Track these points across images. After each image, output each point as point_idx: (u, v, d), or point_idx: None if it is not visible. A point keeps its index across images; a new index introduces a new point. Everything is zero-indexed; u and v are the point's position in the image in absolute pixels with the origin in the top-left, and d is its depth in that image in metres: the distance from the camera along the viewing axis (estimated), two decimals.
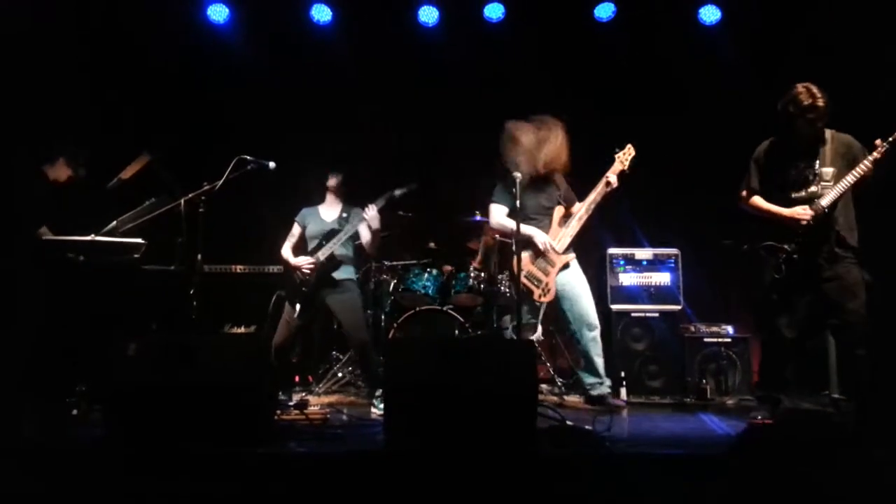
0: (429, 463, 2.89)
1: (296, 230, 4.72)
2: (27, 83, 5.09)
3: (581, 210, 4.52)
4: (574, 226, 4.51)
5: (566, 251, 4.50)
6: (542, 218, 4.55)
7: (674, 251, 5.08)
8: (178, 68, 5.98)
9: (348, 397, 5.04)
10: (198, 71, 6.05)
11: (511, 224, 4.44)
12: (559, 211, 4.56)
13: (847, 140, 3.77)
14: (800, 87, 3.68)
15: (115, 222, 4.38)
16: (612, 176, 4.47)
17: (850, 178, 3.61)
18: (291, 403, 4.31)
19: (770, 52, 5.68)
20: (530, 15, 6.08)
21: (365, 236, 4.66)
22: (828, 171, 3.72)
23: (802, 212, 3.69)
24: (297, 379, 5.48)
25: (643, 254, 5.08)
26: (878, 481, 2.51)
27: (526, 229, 4.42)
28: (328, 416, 3.94)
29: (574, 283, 4.47)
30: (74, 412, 3.90)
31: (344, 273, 4.59)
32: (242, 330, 5.14)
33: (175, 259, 4.32)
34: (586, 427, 3.55)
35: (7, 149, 4.57)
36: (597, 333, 4.44)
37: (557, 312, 4.64)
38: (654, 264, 5.06)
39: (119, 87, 5.75)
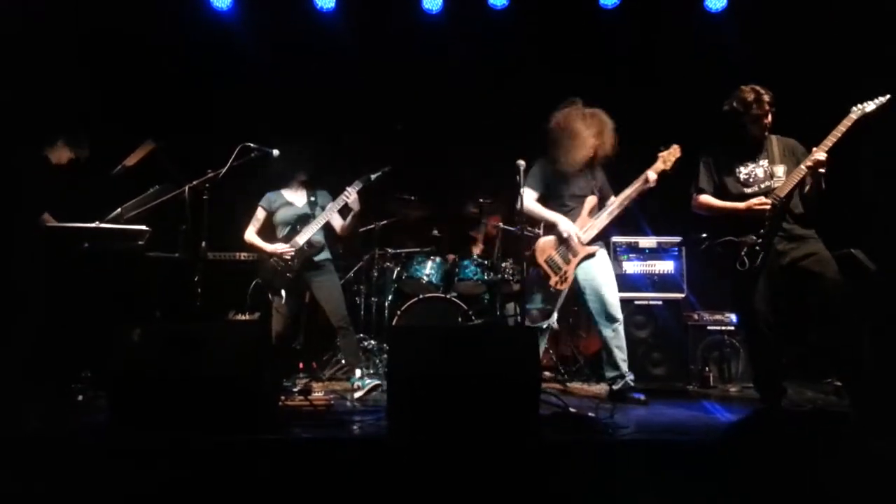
0: (432, 449, 2.90)
1: (260, 214, 4.77)
2: (28, 71, 5.09)
3: (614, 204, 4.42)
4: (603, 218, 4.42)
5: (591, 242, 4.41)
6: (573, 206, 4.46)
7: (677, 239, 5.07)
8: (181, 55, 5.97)
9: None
10: (201, 57, 6.03)
11: (539, 209, 4.44)
12: (591, 201, 4.45)
13: (791, 143, 3.94)
14: (745, 88, 3.85)
15: (119, 209, 4.40)
16: (651, 174, 4.34)
17: (802, 169, 3.73)
18: (295, 390, 4.33)
19: (776, 40, 5.64)
20: (535, 1, 6.05)
21: (337, 221, 4.77)
22: (779, 168, 3.86)
23: (759, 202, 3.78)
24: (301, 365, 5.51)
25: (646, 242, 5.06)
26: (877, 469, 2.52)
27: (552, 215, 4.42)
28: (332, 402, 3.95)
29: (597, 275, 4.37)
30: (80, 398, 3.92)
31: (323, 254, 4.70)
32: (246, 317, 5.16)
33: (179, 246, 4.33)
34: (589, 414, 3.56)
35: (8, 134, 4.57)
36: (617, 326, 4.32)
37: (580, 302, 4.60)
38: (658, 252, 5.04)
39: (122, 74, 5.74)
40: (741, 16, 5.86)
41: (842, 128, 3.70)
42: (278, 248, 4.60)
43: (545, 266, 4.40)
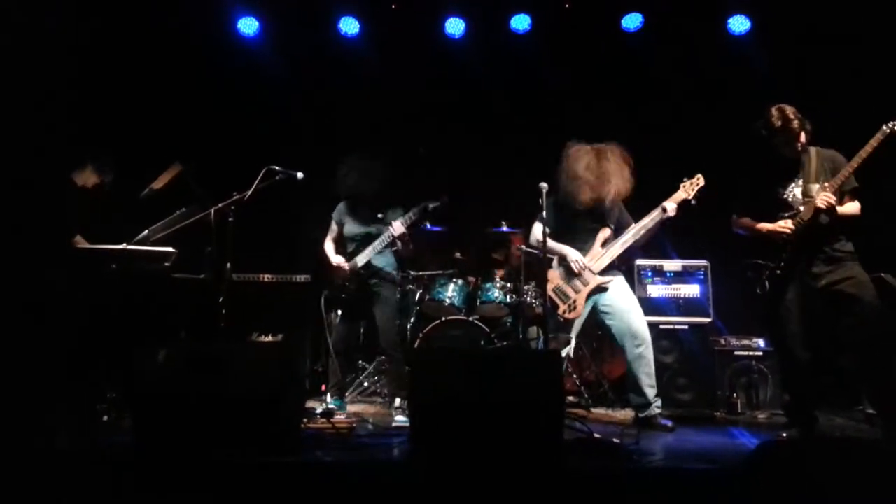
0: (453, 474, 2.87)
1: (334, 226, 4.78)
2: (58, 94, 5.19)
3: (628, 234, 4.36)
4: (616, 248, 4.35)
5: (605, 272, 4.34)
6: (586, 238, 4.42)
7: (703, 263, 5.00)
8: (208, 79, 6.08)
9: (374, 407, 5.04)
10: (228, 82, 6.14)
11: (547, 242, 4.37)
12: (604, 232, 4.41)
13: (831, 154, 3.78)
14: (773, 110, 3.72)
15: (146, 231, 4.46)
16: (670, 204, 4.29)
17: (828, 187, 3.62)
18: (318, 412, 4.32)
19: (802, 62, 5.60)
20: (557, 25, 6.08)
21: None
22: (813, 187, 3.70)
23: (783, 225, 3.69)
24: (323, 388, 5.49)
25: (671, 265, 5.00)
26: None
27: (560, 247, 4.40)
28: (354, 425, 3.94)
29: (618, 299, 4.32)
30: (105, 419, 3.95)
31: (384, 276, 4.64)
32: (270, 338, 5.18)
33: (204, 268, 4.37)
34: (613, 440, 3.51)
35: (39, 157, 4.66)
36: (643, 349, 4.22)
37: (604, 328, 4.55)
38: (683, 276, 4.97)
39: (149, 99, 5.85)
40: (766, 38, 5.84)
41: (857, 159, 3.56)
42: (338, 260, 4.60)
43: (553, 295, 4.37)
